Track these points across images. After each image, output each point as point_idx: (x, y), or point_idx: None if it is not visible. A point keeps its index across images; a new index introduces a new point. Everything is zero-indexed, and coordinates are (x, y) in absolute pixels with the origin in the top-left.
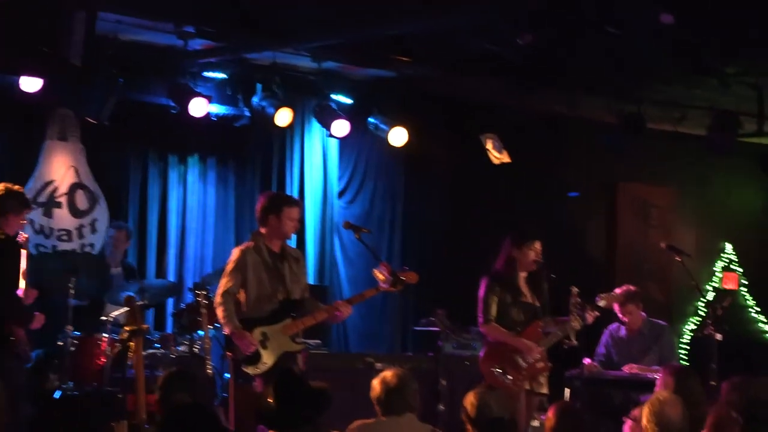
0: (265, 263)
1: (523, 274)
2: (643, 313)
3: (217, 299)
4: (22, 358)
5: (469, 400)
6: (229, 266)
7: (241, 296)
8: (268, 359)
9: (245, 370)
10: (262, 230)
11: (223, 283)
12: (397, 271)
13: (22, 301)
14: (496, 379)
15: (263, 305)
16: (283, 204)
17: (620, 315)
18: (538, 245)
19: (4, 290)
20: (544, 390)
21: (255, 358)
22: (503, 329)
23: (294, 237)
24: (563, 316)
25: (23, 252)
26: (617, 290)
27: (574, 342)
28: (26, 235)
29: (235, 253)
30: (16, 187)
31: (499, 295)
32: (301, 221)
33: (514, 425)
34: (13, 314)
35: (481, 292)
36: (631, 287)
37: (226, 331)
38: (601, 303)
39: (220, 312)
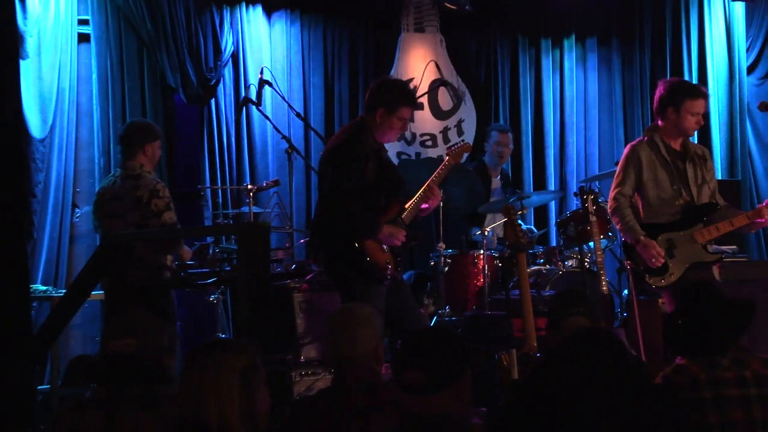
0: (663, 161)
1: None
2: None
3: (610, 203)
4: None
5: None
6: (621, 165)
7: (636, 199)
8: (675, 270)
9: (648, 281)
10: (660, 123)
11: (615, 185)
12: None
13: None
14: None
15: (662, 209)
16: (685, 95)
17: None
18: None
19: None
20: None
21: (661, 269)
22: None
23: None
24: None
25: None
26: None
27: None
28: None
29: (627, 150)
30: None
31: None
32: (705, 112)
33: None
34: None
35: None
36: None
37: (627, 239)
38: None
39: (615, 218)
